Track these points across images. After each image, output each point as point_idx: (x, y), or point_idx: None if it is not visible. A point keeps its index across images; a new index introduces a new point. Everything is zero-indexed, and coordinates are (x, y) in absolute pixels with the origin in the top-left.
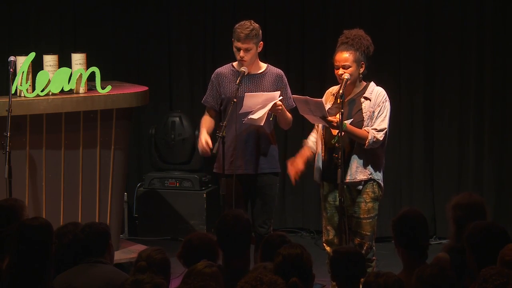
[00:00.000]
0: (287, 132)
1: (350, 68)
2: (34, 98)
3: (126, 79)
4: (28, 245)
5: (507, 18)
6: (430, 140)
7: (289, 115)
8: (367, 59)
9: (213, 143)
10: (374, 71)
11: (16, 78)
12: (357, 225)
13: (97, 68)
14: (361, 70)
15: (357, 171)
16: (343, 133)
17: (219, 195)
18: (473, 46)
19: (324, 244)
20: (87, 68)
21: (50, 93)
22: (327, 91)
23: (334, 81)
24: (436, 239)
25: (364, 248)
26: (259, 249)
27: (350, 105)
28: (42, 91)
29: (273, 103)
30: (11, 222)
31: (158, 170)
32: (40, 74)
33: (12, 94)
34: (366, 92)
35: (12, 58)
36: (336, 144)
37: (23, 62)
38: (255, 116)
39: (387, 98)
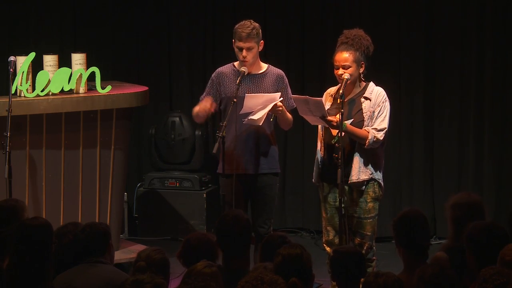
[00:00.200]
0: (287, 133)
1: (350, 68)
2: (34, 98)
3: (126, 79)
4: (28, 245)
5: (507, 18)
6: (430, 140)
7: (289, 115)
8: (367, 59)
9: (213, 143)
10: (374, 71)
11: (16, 78)
12: (358, 224)
13: (97, 68)
14: (361, 70)
15: (360, 172)
16: (343, 133)
17: (219, 195)
18: (473, 46)
19: (324, 245)
20: (87, 68)
21: (50, 93)
22: (325, 92)
23: (334, 81)
24: (436, 239)
25: (364, 248)
26: (258, 249)
27: (350, 105)
28: (42, 91)
29: (273, 103)
30: (12, 222)
31: (158, 170)
32: (40, 74)
33: (12, 94)
34: (366, 92)
35: (12, 58)
36: (336, 144)
37: (23, 62)
38: (255, 117)
39: (387, 98)
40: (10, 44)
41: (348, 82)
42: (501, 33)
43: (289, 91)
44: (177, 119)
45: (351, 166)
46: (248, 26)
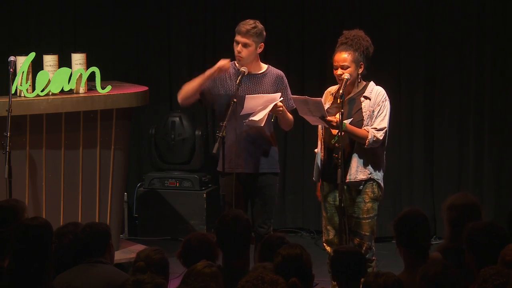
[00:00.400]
0: (287, 133)
1: (348, 69)
2: (34, 98)
3: (126, 79)
4: (28, 245)
5: (507, 18)
6: (430, 140)
7: (290, 116)
8: (366, 60)
9: (213, 143)
10: (374, 70)
11: (16, 78)
12: (356, 225)
13: (97, 68)
14: (360, 70)
15: (358, 171)
16: (343, 133)
17: (219, 195)
18: (473, 46)
19: (324, 244)
20: (87, 68)
21: (50, 93)
22: (326, 91)
23: (334, 81)
24: (436, 239)
25: (363, 248)
26: (257, 250)
27: (350, 104)
28: (42, 91)
29: (273, 104)
30: (12, 222)
31: (158, 170)
32: (40, 74)
33: (12, 94)
34: (366, 91)
35: (12, 58)
36: (336, 144)
37: (23, 62)
38: (256, 117)
39: (387, 98)
40: (10, 44)
41: (348, 82)
42: (501, 33)
43: (289, 91)
44: (177, 119)
45: (350, 166)
46: (250, 23)
